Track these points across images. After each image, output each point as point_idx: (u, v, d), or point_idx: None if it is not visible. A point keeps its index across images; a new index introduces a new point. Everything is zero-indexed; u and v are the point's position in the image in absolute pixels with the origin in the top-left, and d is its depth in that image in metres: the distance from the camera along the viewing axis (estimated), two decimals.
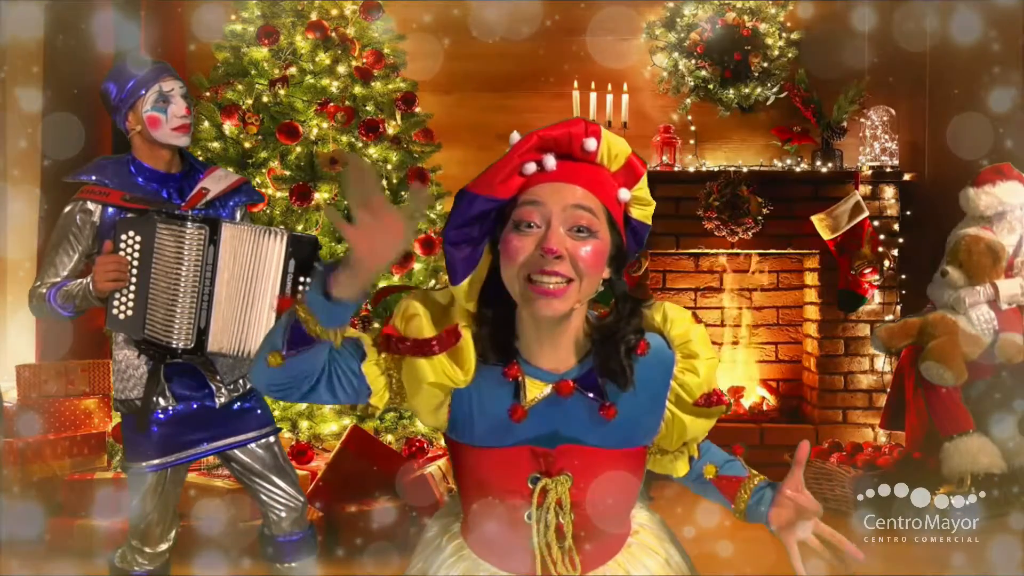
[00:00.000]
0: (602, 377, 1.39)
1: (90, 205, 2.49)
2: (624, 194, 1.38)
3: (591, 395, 1.39)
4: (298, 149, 4.44)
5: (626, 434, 1.42)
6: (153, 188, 2.55)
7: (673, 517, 1.70)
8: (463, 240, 1.36)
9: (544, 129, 1.35)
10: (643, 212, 1.42)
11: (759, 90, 5.45)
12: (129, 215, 2.45)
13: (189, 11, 5.30)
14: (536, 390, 1.39)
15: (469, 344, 1.38)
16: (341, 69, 4.59)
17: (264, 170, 4.42)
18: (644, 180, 1.41)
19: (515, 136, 1.36)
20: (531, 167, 1.33)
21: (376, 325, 3.91)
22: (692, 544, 1.67)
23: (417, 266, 4.52)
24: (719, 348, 5.62)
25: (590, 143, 1.34)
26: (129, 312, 2.41)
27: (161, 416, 2.52)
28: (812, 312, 5.44)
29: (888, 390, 4.90)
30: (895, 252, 5.20)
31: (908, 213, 5.30)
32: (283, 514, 2.65)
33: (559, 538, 1.41)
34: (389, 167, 4.56)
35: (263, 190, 4.29)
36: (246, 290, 2.46)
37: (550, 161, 1.34)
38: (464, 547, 1.49)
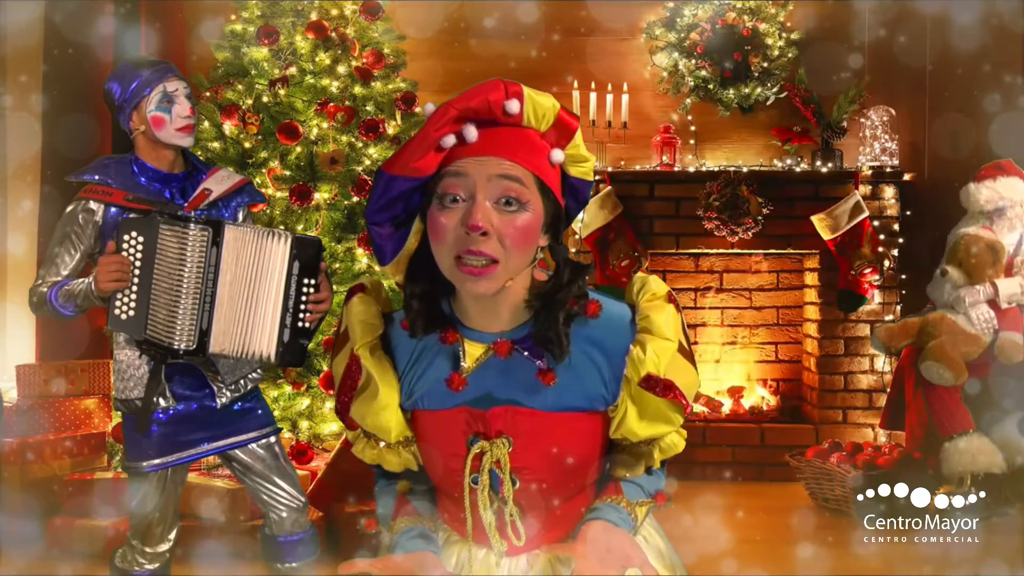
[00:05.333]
0: (538, 346, 1.32)
1: (93, 204, 2.49)
2: (557, 155, 1.29)
3: (530, 356, 1.33)
4: (298, 149, 4.44)
5: (569, 396, 1.33)
6: (156, 188, 2.55)
7: (672, 517, 1.70)
8: (387, 220, 1.31)
9: (460, 98, 1.24)
10: (581, 170, 1.34)
11: (759, 90, 5.45)
12: (132, 215, 2.45)
13: (189, 11, 5.30)
14: (475, 352, 1.35)
15: (371, 363, 1.37)
16: (341, 69, 4.58)
17: (264, 170, 4.42)
18: (579, 136, 1.32)
19: (429, 108, 1.26)
20: (450, 140, 1.24)
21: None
22: (691, 544, 1.67)
23: None
24: (720, 348, 5.63)
25: (512, 106, 1.25)
26: (131, 312, 2.40)
27: (162, 416, 2.52)
28: (812, 312, 5.44)
29: (888, 390, 4.91)
30: (895, 252, 5.20)
31: (908, 213, 5.30)
32: (284, 514, 2.66)
33: (501, 501, 1.35)
34: None
35: (263, 190, 4.29)
36: (249, 292, 2.45)
37: (471, 132, 1.24)
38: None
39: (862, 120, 5.33)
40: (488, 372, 1.35)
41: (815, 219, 5.11)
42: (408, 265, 1.36)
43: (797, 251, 5.43)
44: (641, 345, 1.33)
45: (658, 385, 1.32)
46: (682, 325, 1.37)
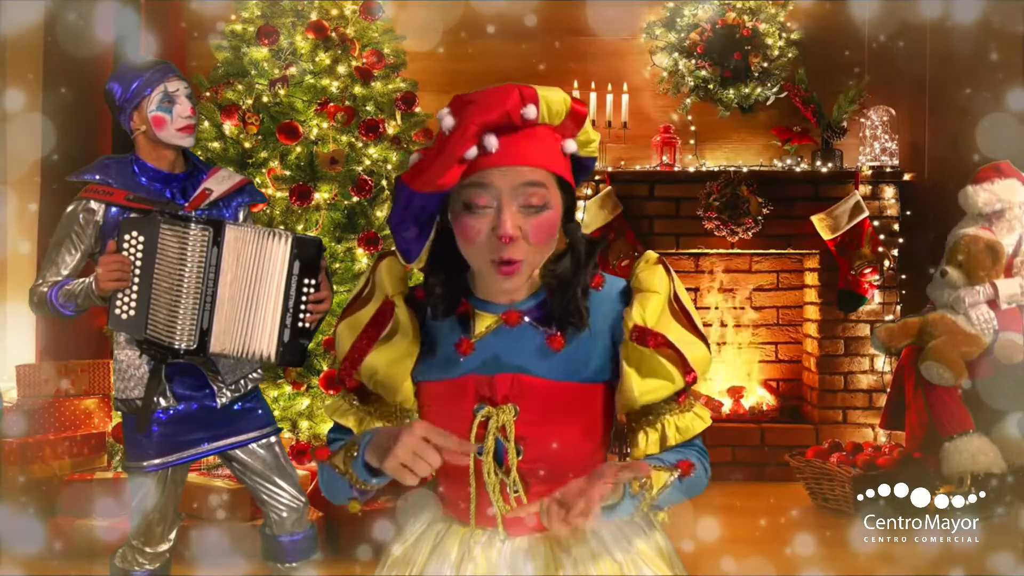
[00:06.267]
0: (559, 320, 1.37)
1: (93, 204, 2.50)
2: (570, 146, 1.36)
3: (538, 326, 1.38)
4: (298, 149, 4.44)
5: (574, 366, 1.37)
6: (156, 188, 2.55)
7: (671, 515, 1.70)
8: (412, 224, 1.36)
9: (478, 110, 1.28)
10: (589, 149, 1.40)
11: (759, 90, 5.45)
12: (132, 215, 2.45)
13: (189, 11, 5.30)
14: (485, 321, 1.40)
15: (404, 311, 1.41)
16: (341, 69, 4.58)
17: (264, 170, 4.42)
18: (588, 122, 1.39)
19: (447, 121, 1.30)
20: (473, 152, 1.28)
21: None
22: (691, 543, 1.66)
23: None
24: (719, 348, 5.63)
25: (529, 112, 1.30)
26: (131, 312, 2.41)
27: (162, 416, 2.53)
28: (812, 312, 5.44)
29: (888, 390, 4.91)
30: (895, 252, 5.20)
31: (908, 213, 5.30)
32: (284, 514, 2.66)
33: (504, 472, 1.36)
34: (389, 167, 4.56)
35: (263, 190, 4.28)
36: (249, 291, 2.46)
37: (492, 142, 1.28)
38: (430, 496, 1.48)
39: (862, 120, 5.33)
40: (496, 340, 1.39)
41: (815, 219, 5.11)
42: (427, 256, 1.41)
43: (797, 251, 5.43)
44: (631, 304, 1.38)
45: (648, 336, 1.35)
46: (674, 286, 1.40)
